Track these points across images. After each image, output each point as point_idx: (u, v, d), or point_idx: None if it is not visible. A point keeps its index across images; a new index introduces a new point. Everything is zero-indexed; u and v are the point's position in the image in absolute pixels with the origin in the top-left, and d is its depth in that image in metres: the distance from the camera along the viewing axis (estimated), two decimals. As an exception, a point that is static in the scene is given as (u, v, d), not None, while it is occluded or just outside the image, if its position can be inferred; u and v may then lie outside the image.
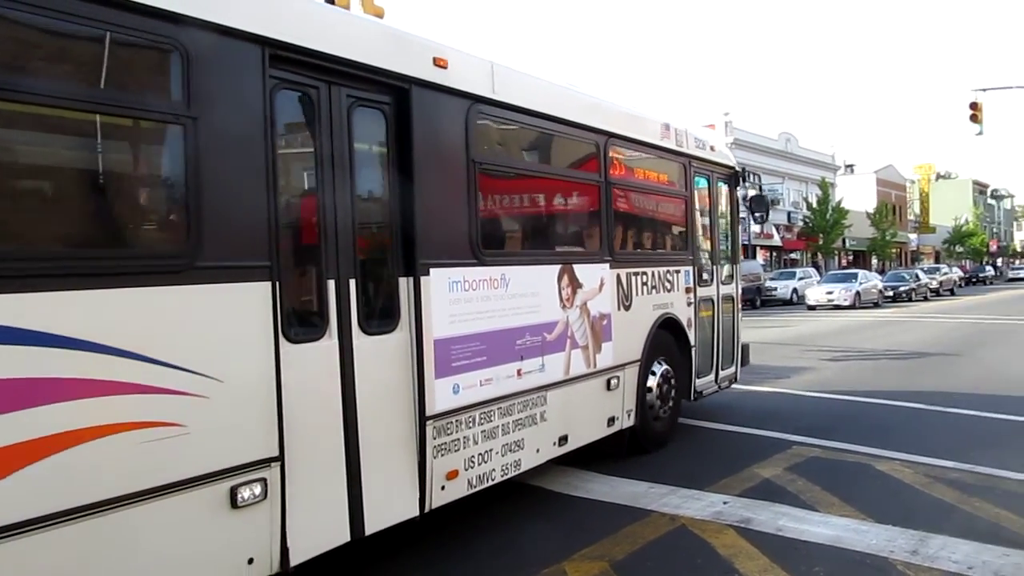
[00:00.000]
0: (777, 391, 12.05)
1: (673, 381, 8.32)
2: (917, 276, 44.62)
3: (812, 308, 35.29)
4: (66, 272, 3.21)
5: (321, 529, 4.28)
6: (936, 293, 46.85)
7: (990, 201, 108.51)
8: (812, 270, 46.76)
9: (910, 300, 40.62)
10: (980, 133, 26.88)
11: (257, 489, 3.92)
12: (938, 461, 7.92)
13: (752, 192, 10.58)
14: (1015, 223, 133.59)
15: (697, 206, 8.96)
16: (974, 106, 26.72)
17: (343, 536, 4.42)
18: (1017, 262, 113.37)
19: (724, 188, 9.66)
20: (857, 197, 66.67)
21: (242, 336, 3.84)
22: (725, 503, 6.78)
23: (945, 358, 16.05)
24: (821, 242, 54.91)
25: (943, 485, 7.20)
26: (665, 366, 8.15)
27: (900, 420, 10.03)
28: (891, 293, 40.01)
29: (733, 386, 10.28)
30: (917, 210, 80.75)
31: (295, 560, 4.08)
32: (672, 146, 8.31)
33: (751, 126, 54.78)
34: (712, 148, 9.28)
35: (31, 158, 3.32)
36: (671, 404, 8.34)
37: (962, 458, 7.98)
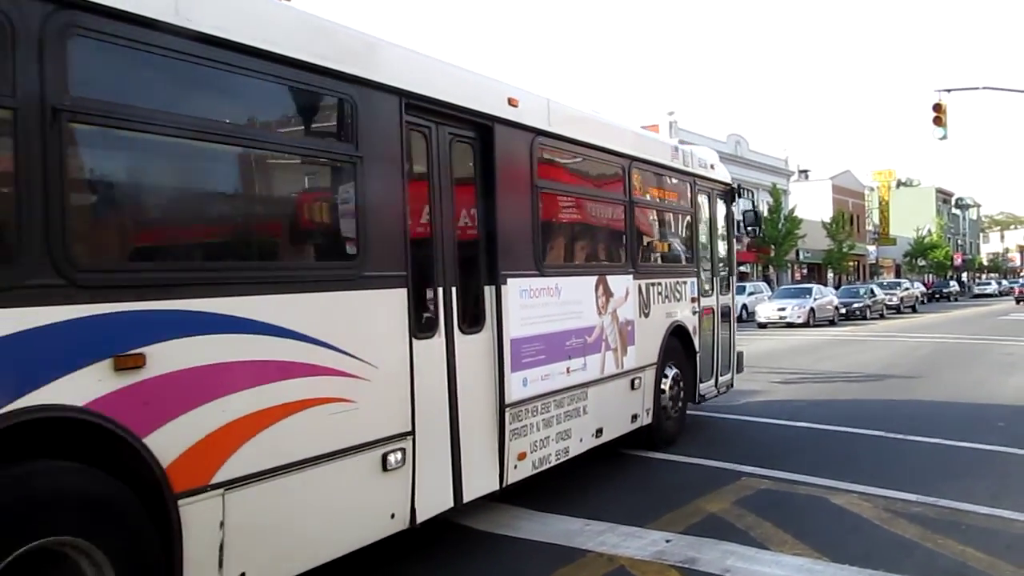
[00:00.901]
0: (726, 417, 12.23)
1: (681, 384, 10.14)
2: (872, 292, 45.04)
3: (763, 326, 35.96)
4: (287, 280, 4.70)
5: (436, 494, 5.84)
6: (896, 310, 48.16)
7: (954, 211, 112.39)
8: (763, 284, 47.76)
9: (864, 318, 41.25)
10: (944, 137, 27.77)
11: (399, 456, 5.42)
12: (899, 494, 8.12)
13: (746, 207, 12.55)
14: (981, 235, 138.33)
15: (700, 221, 11.01)
16: (937, 108, 27.63)
17: (449, 502, 6.02)
18: (983, 276, 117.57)
19: (721, 204, 11.71)
20: (812, 205, 68.41)
21: (389, 331, 5.39)
22: (668, 541, 6.84)
23: (906, 380, 16.51)
24: (773, 254, 56.06)
25: (904, 520, 7.38)
26: (675, 370, 9.99)
27: (858, 448, 10.29)
28: (844, 310, 40.23)
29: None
30: (876, 220, 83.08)
31: (419, 519, 5.62)
32: (680, 166, 10.32)
33: (698, 127, 55.83)
34: (712, 167, 11.33)
35: (277, 197, 5.08)
36: (680, 405, 10.16)
37: (925, 490, 8.20)
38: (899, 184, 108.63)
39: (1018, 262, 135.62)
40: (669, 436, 10.00)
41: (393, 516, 5.52)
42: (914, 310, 50.72)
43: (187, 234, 4.48)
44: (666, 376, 9.85)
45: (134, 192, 4.23)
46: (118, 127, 3.97)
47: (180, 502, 4.04)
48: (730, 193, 11.97)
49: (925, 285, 73.78)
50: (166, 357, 4.01)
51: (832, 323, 37.27)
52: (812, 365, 17.02)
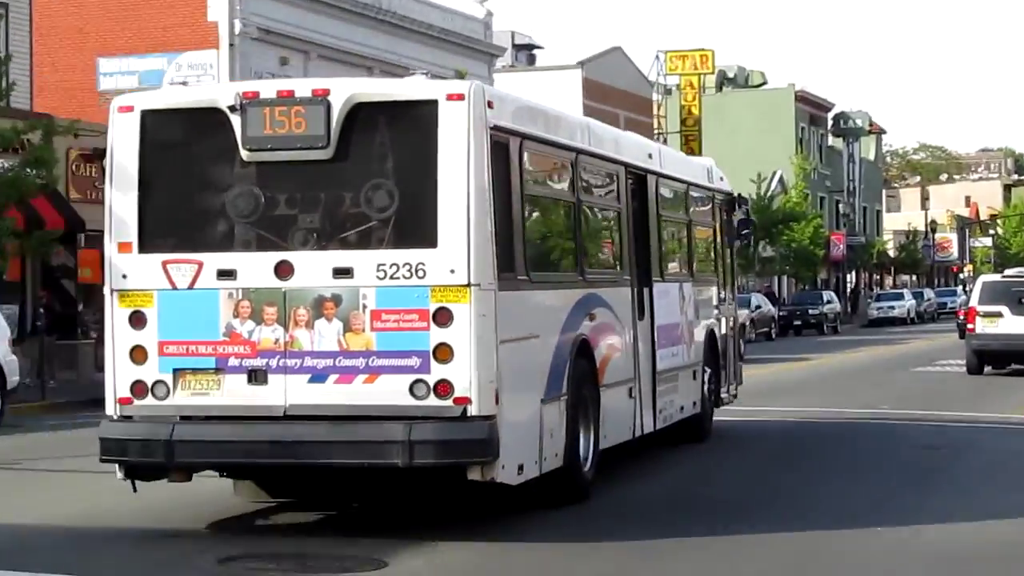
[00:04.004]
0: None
1: (712, 385, 26.35)
2: None
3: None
4: (607, 281, 21.55)
5: (638, 422, 21.99)
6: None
7: (832, 141, 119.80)
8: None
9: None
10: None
11: (633, 392, 21.80)
12: None
13: (739, 215, 29.89)
14: (885, 194, 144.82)
15: (718, 232, 28.07)
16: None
17: (640, 432, 21.93)
18: (888, 281, 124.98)
19: (725, 214, 28.18)
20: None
21: (627, 313, 21.95)
22: None
23: (727, 502, 17.72)
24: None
25: None
26: (709, 370, 26.06)
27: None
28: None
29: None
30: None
31: (635, 435, 21.84)
32: (706, 183, 27.26)
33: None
34: (721, 179, 28.38)
35: (604, 237, 22.76)
36: (713, 402, 26.43)
37: None
38: (724, 81, 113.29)
39: (954, 250, 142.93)
40: (707, 430, 25.32)
41: (630, 428, 21.10)
42: (739, 357, 52.88)
43: (599, 262, 21.63)
44: (705, 374, 25.25)
45: (584, 238, 20.26)
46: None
47: (600, 386, 19.60)
48: (732, 202, 28.20)
49: (772, 299, 78.23)
50: (597, 315, 19.67)
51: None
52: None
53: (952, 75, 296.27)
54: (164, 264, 15.85)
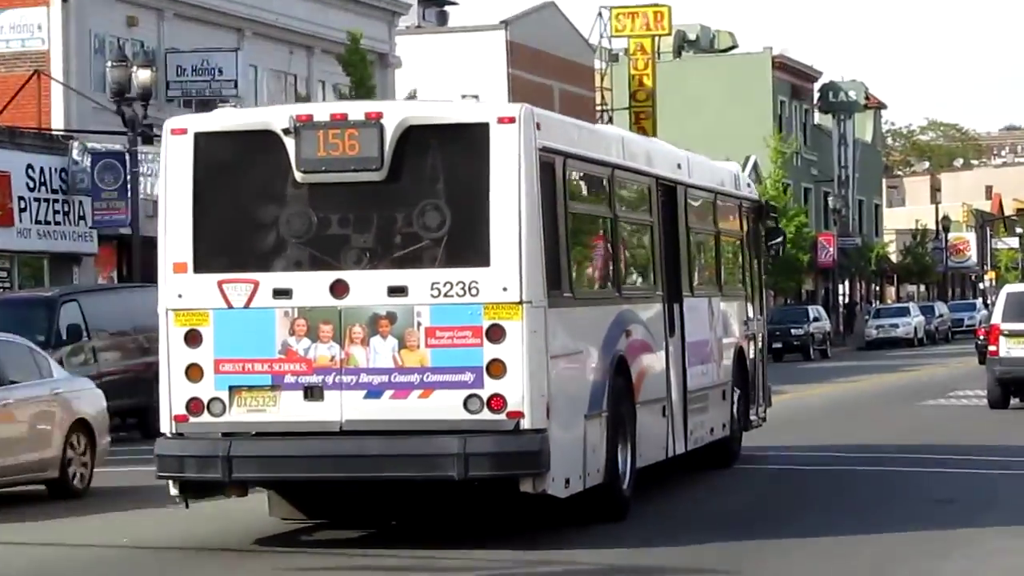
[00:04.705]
0: None
1: (740, 407, 34.36)
2: None
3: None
4: (639, 297, 28.94)
5: (671, 444, 29.15)
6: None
7: (820, 118, 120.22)
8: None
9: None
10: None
11: (665, 410, 28.76)
12: None
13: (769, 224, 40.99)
14: (884, 184, 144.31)
15: (744, 243, 36.73)
16: None
17: (671, 453, 29.22)
18: (892, 293, 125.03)
19: (751, 223, 37.26)
20: (455, 94, 70.33)
21: (660, 329, 29.13)
22: None
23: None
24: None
25: None
26: (738, 391, 34.26)
27: None
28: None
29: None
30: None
31: (667, 455, 29.08)
32: (733, 191, 36.03)
33: None
34: (748, 185, 39.26)
35: (638, 252, 30.18)
36: (741, 425, 34.55)
37: None
38: (684, 45, 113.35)
39: (973, 254, 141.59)
40: (735, 453, 33.13)
41: (663, 448, 27.71)
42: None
43: (633, 278, 28.63)
44: (735, 394, 33.10)
45: (621, 254, 26.92)
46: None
47: (636, 404, 25.53)
48: (759, 211, 36.92)
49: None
50: (632, 331, 25.93)
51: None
52: None
53: (967, 37, 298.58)
54: (220, 284, 20.10)
